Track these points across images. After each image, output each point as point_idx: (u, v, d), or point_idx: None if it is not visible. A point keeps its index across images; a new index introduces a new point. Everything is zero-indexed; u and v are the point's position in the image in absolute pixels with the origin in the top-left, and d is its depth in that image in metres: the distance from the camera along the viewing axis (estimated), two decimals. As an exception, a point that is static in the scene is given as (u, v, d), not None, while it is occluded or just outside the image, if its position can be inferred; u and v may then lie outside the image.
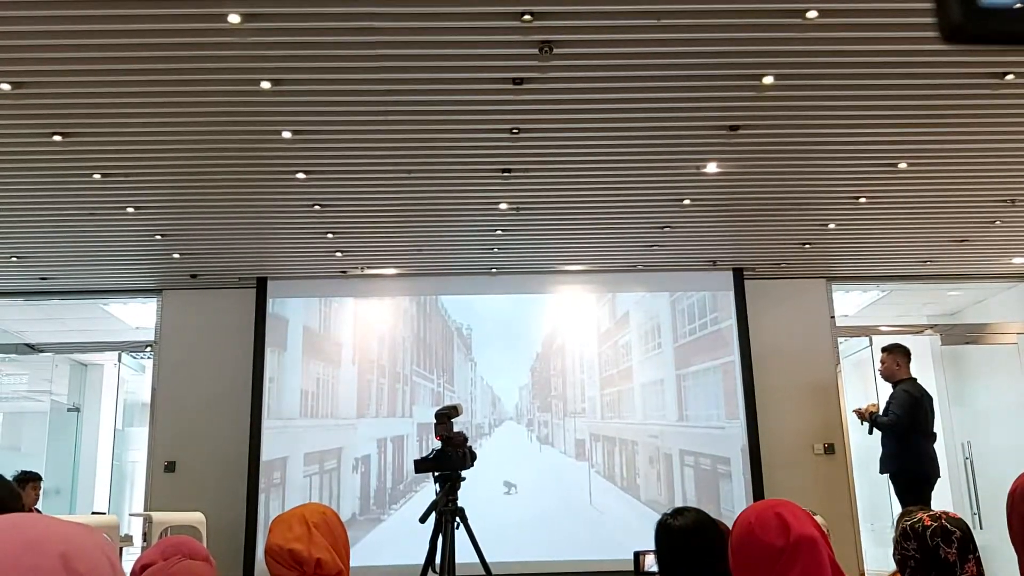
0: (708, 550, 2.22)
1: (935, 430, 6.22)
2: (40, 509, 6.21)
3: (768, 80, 4.33)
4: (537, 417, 7.42)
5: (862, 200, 5.95)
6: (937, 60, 4.16)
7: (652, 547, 2.37)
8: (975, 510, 7.77)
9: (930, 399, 6.29)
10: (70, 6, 3.60)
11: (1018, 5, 0.50)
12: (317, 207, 5.88)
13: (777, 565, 1.73)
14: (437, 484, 4.17)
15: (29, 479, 6.07)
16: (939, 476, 6.16)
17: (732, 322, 7.44)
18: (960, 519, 2.27)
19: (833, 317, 7.76)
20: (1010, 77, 4.32)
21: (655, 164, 5.33)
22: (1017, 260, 7.40)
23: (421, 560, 4.15)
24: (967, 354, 8.57)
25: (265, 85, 4.26)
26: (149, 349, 7.79)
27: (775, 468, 7.22)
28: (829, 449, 7.41)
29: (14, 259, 6.75)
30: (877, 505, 7.92)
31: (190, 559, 1.75)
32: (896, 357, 6.33)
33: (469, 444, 4.26)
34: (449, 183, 5.53)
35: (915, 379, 6.31)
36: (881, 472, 6.27)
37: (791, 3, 3.70)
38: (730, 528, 1.95)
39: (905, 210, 6.18)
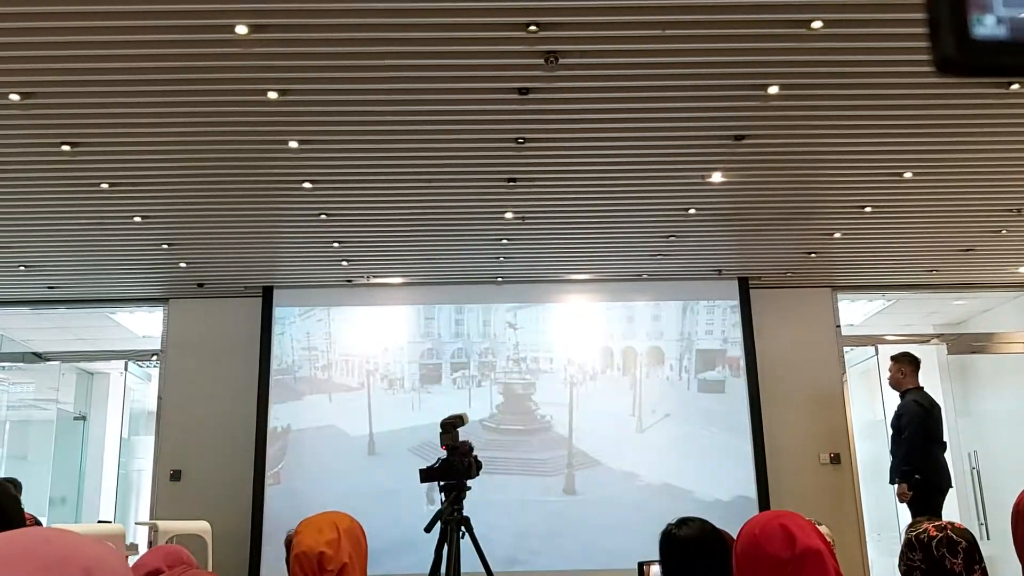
0: (713, 561, 2.21)
1: (944, 439, 6.21)
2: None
3: (773, 90, 4.34)
4: (541, 427, 7.40)
5: (868, 209, 5.95)
6: (942, 70, 4.15)
7: (657, 557, 2.36)
8: (982, 520, 7.74)
9: (938, 408, 6.28)
10: (78, 17, 3.63)
11: (1010, 38, 0.51)
12: (323, 216, 5.89)
13: (782, 576, 1.72)
14: (442, 493, 4.17)
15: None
16: (951, 486, 6.14)
17: (738, 330, 7.44)
18: (966, 529, 2.26)
19: (839, 326, 7.74)
20: (1015, 87, 4.32)
21: (660, 173, 5.33)
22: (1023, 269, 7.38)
23: (426, 570, 4.15)
24: (974, 364, 8.54)
25: (272, 95, 4.28)
26: (155, 358, 7.81)
27: (781, 477, 7.20)
28: (835, 459, 7.39)
29: (22, 268, 6.78)
30: (884, 515, 7.89)
31: (194, 569, 1.75)
32: (902, 366, 6.33)
33: (475, 453, 4.26)
34: (455, 192, 5.55)
35: (922, 388, 6.31)
36: (891, 482, 6.25)
37: (796, 13, 3.71)
38: (735, 538, 1.94)
39: (911, 219, 6.17)
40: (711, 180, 5.43)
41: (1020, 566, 2.03)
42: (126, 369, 8.43)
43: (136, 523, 7.98)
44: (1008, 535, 2.09)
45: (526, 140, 4.84)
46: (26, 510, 6.09)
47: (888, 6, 3.67)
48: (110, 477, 8.92)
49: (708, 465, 7.21)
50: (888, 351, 6.83)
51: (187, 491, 7.24)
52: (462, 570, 4.10)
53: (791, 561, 1.72)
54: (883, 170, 5.32)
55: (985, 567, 2.21)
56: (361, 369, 7.46)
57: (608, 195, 5.64)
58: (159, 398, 7.59)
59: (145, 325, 8.31)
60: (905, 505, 6.15)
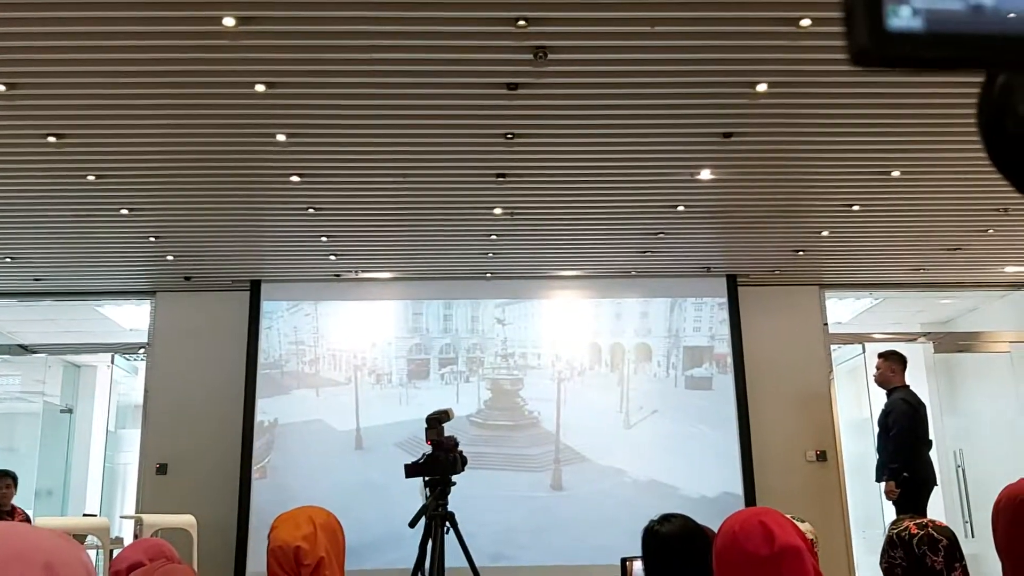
0: (695, 557, 2.22)
1: (930, 437, 6.25)
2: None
3: (762, 88, 4.34)
4: (529, 422, 7.40)
5: (855, 208, 5.96)
6: (930, 69, 4.16)
7: (640, 553, 2.37)
8: (967, 518, 7.78)
9: (924, 407, 6.31)
10: (65, 8, 3.60)
11: (926, 31, 0.51)
12: (311, 210, 5.87)
13: (760, 574, 1.73)
14: (427, 489, 4.16)
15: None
16: (936, 483, 6.18)
17: (726, 327, 7.45)
18: (947, 527, 2.27)
19: (826, 324, 7.77)
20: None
21: (649, 170, 5.34)
22: (1010, 268, 7.42)
23: (410, 565, 4.15)
24: (960, 362, 8.58)
25: (259, 88, 4.26)
26: (142, 351, 7.78)
27: (767, 475, 7.22)
28: (821, 456, 7.42)
29: (8, 260, 6.74)
30: (869, 513, 7.92)
31: (174, 563, 1.75)
32: (891, 364, 6.36)
33: (460, 449, 4.25)
34: (443, 187, 5.53)
35: (908, 386, 6.34)
36: (878, 480, 6.28)
37: (785, 11, 3.71)
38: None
39: (898, 218, 6.19)
40: (700, 177, 5.43)
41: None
42: (113, 362, 8.39)
43: (121, 516, 7.97)
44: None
45: (515, 136, 4.84)
46: (16, 504, 6.08)
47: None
48: (96, 470, 8.89)
49: (695, 462, 7.22)
50: (875, 349, 6.85)
51: (173, 485, 7.22)
52: (447, 565, 4.10)
53: (770, 558, 1.73)
54: (871, 169, 5.34)
55: (966, 565, 2.22)
56: (348, 364, 7.45)
57: (597, 191, 5.63)
58: (146, 391, 7.56)
59: (132, 318, 8.27)
60: (891, 503, 6.18)
